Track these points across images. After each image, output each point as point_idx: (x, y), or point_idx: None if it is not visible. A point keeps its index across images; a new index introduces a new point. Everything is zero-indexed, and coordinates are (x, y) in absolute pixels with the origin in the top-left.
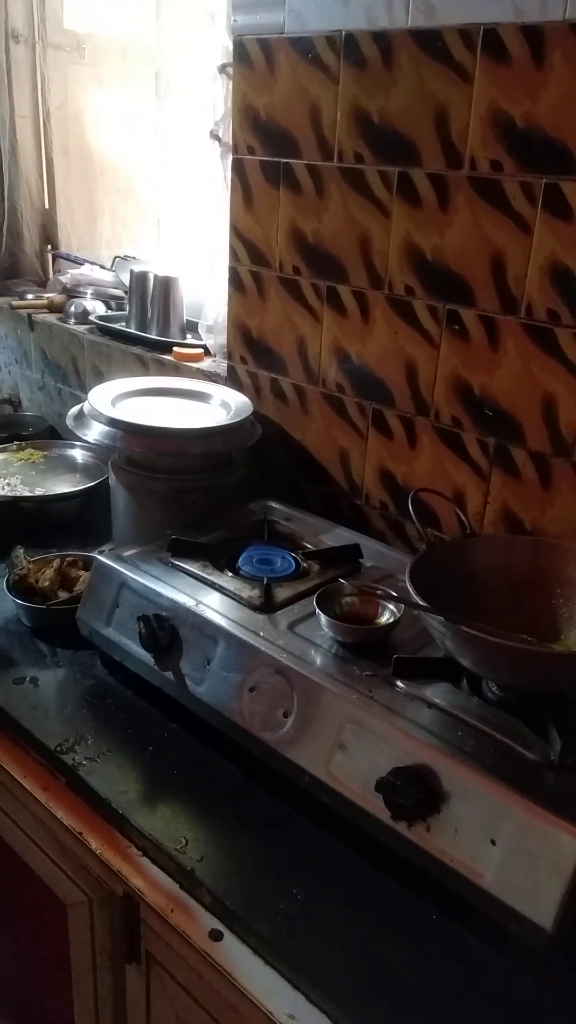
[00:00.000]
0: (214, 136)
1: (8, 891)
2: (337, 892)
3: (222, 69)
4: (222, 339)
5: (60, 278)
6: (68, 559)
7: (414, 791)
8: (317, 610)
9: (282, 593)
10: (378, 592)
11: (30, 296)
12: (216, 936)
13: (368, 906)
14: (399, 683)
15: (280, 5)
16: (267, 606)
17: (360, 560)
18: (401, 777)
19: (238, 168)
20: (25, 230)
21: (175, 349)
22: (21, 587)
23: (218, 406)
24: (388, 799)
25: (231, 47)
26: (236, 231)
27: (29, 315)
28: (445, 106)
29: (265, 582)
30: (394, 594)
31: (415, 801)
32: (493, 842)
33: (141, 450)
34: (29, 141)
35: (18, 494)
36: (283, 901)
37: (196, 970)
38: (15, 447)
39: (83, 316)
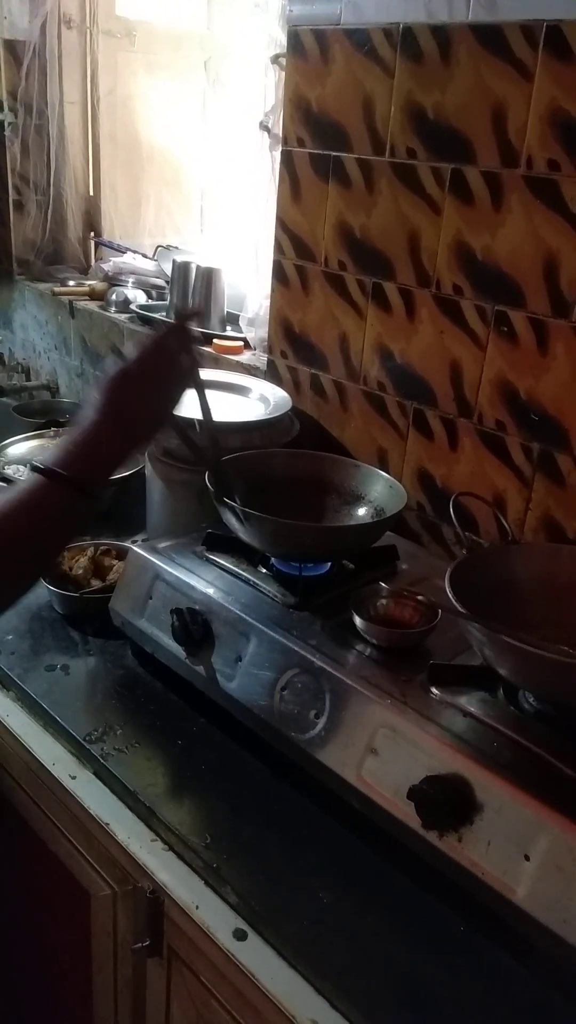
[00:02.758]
0: (263, 127)
1: (32, 878)
2: (364, 897)
3: (274, 59)
4: (263, 332)
5: (102, 265)
6: (102, 548)
7: (447, 800)
8: (352, 611)
9: (316, 592)
10: (419, 597)
11: (72, 283)
12: (240, 936)
13: (395, 914)
14: (434, 690)
15: None
16: (301, 604)
17: (396, 562)
18: (434, 786)
19: (287, 160)
20: (69, 216)
21: (215, 341)
22: (55, 574)
23: (256, 400)
24: (420, 807)
25: (281, 38)
26: (282, 224)
27: (70, 302)
28: (503, 103)
29: (300, 580)
30: (435, 600)
31: (447, 811)
32: (527, 857)
33: (178, 441)
34: (77, 127)
35: None
36: (309, 904)
37: (219, 968)
38: (52, 433)
39: (124, 304)
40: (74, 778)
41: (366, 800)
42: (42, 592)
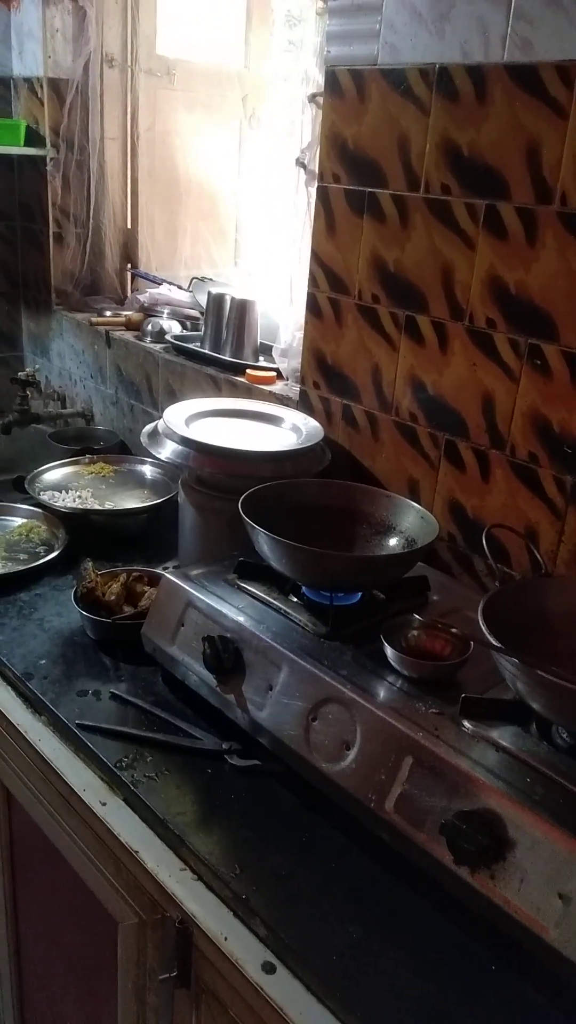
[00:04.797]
0: (300, 163)
1: (61, 904)
2: (394, 933)
3: (311, 98)
4: (296, 363)
5: (138, 296)
6: (134, 574)
7: (479, 836)
8: (384, 642)
9: (347, 622)
10: (453, 630)
11: (108, 313)
12: (269, 968)
13: (425, 950)
14: (466, 723)
15: (375, 37)
16: (332, 634)
17: (427, 593)
18: (466, 821)
19: (322, 196)
20: (107, 249)
21: (248, 371)
22: (88, 599)
23: (289, 430)
24: (452, 843)
25: (318, 76)
26: (317, 258)
27: (107, 332)
28: (537, 141)
29: (331, 609)
30: (467, 632)
31: (479, 847)
32: (561, 896)
33: (211, 470)
34: (117, 162)
35: (88, 507)
36: (338, 938)
37: (247, 1002)
38: (87, 460)
39: (159, 335)
40: (104, 804)
41: (397, 834)
42: (75, 617)
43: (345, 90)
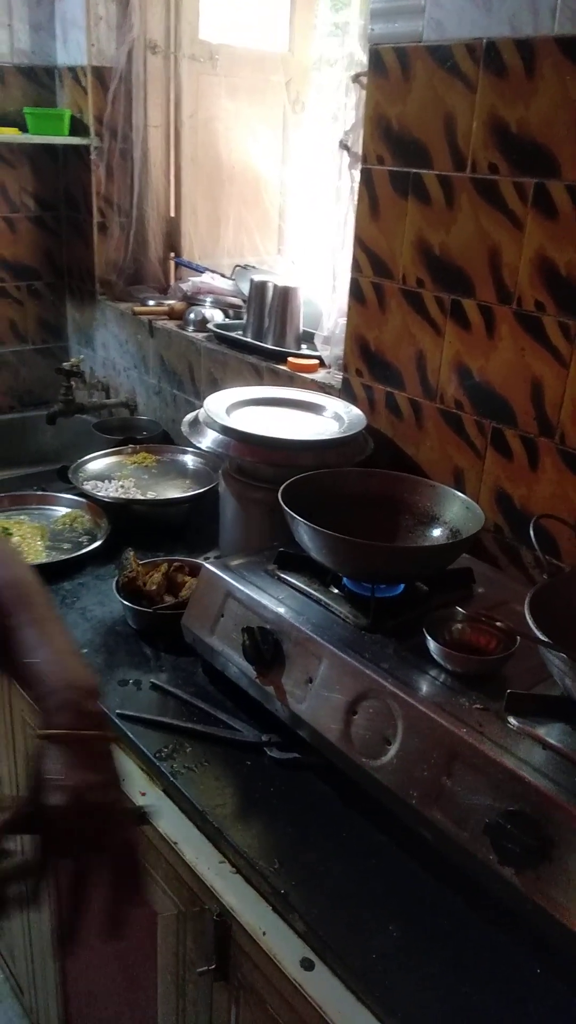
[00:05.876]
0: (343, 146)
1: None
2: (435, 933)
3: (355, 79)
4: (338, 351)
5: (181, 285)
6: (175, 564)
7: (525, 837)
8: (427, 635)
9: (389, 614)
10: (498, 624)
11: (151, 302)
12: (307, 965)
13: (467, 951)
14: (511, 719)
15: (419, 13)
16: (373, 626)
17: (472, 585)
18: (512, 820)
19: (366, 178)
20: (151, 237)
21: (290, 359)
22: (130, 589)
23: (331, 418)
24: (496, 843)
25: (362, 57)
26: (360, 242)
27: (150, 321)
28: None
29: (372, 601)
30: (513, 626)
31: (525, 847)
32: None
33: (251, 459)
34: (160, 150)
35: (131, 497)
36: (378, 937)
37: (286, 998)
38: (130, 450)
39: (202, 324)
40: (144, 795)
41: (438, 832)
42: (116, 607)
43: (389, 69)
